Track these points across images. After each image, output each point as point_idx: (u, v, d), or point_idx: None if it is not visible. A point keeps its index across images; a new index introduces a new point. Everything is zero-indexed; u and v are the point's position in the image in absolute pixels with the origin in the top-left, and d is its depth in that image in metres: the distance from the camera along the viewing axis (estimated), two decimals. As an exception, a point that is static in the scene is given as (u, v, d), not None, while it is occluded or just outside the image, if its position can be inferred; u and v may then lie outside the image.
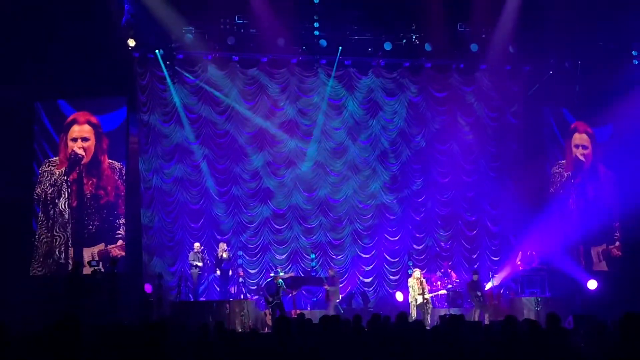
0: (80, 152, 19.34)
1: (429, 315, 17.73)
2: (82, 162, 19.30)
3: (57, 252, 18.98)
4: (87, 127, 19.45)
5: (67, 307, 15.03)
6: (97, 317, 14.64)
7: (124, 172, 19.25)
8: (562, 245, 21.12)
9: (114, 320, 14.01)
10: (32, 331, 7.61)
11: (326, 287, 18.40)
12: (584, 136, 21.97)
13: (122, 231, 19.05)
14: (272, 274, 18.09)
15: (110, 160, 19.32)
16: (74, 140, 19.40)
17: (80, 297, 15.46)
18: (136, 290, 18.12)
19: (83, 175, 19.27)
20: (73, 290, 15.68)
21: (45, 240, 19.07)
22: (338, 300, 18.43)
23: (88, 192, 19.21)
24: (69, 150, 19.36)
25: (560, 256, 20.68)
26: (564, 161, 21.71)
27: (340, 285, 19.88)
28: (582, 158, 21.88)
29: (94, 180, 19.26)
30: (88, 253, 18.83)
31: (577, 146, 21.87)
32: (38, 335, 7.65)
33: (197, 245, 18.58)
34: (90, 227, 19.11)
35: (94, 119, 19.44)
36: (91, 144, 19.41)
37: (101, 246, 18.99)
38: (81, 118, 19.48)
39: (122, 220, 19.09)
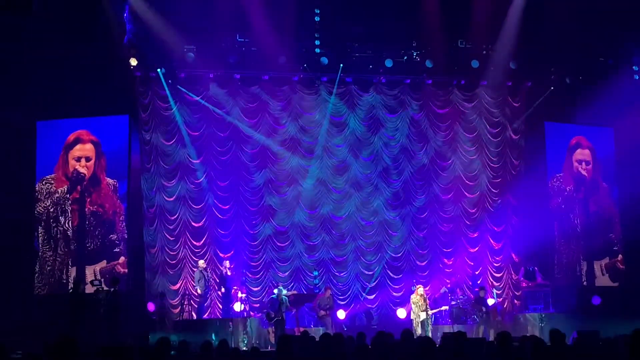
0: (83, 170, 19.36)
1: (430, 331, 17.65)
2: (84, 181, 19.35)
3: (59, 271, 18.96)
4: (89, 146, 19.50)
5: (67, 327, 14.99)
6: (98, 337, 14.63)
7: (118, 188, 19.25)
8: (565, 260, 21.08)
9: (116, 340, 13.98)
10: (30, 353, 7.56)
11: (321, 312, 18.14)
12: (586, 151, 21.96)
13: (121, 247, 19.04)
14: (275, 291, 17.93)
15: (107, 179, 19.35)
16: (77, 159, 19.42)
17: (80, 316, 15.40)
18: (138, 308, 18.09)
19: (85, 194, 19.31)
20: (73, 309, 15.63)
21: (47, 259, 19.06)
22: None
23: (88, 210, 19.23)
24: (71, 169, 19.38)
25: (563, 271, 20.62)
26: (561, 174, 21.61)
27: (343, 303, 19.85)
28: (584, 173, 21.86)
29: (94, 197, 19.27)
30: (90, 271, 18.82)
31: (579, 161, 21.84)
32: (37, 356, 7.60)
33: (201, 262, 18.56)
34: (92, 245, 19.11)
35: (95, 138, 19.48)
36: (92, 162, 19.44)
37: (103, 263, 18.98)
38: (83, 137, 19.53)
39: (121, 237, 19.09)
